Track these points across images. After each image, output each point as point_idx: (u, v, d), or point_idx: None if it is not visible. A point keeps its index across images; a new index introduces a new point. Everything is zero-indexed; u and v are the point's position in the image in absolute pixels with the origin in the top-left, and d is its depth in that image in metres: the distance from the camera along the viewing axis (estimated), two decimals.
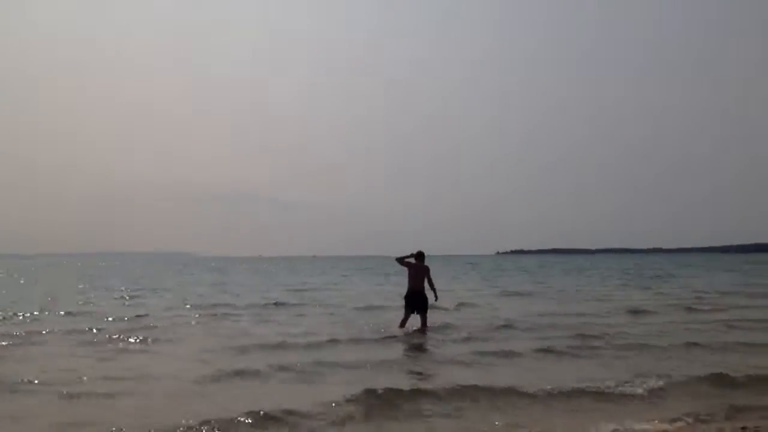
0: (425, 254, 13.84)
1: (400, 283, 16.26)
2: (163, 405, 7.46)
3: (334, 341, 12.37)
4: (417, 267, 13.68)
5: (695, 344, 11.84)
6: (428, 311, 13.85)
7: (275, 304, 21.81)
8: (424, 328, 13.66)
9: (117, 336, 13.12)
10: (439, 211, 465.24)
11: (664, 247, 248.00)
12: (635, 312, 18.36)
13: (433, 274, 13.89)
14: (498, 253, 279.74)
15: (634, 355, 11.01)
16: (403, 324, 13.74)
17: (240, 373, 9.19)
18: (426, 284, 13.65)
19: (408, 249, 13.87)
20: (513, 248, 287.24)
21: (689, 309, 19.24)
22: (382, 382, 8.34)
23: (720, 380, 8.67)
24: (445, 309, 17.76)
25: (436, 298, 13.89)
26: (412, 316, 13.73)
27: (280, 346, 11.79)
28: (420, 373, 9.60)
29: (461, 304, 20.65)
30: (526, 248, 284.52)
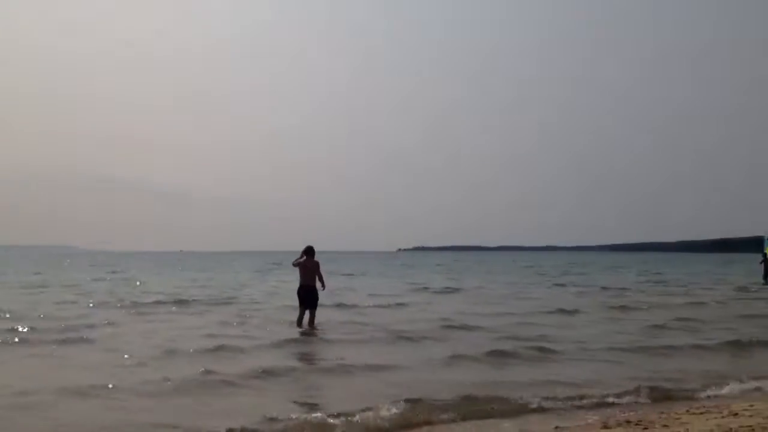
0: (314, 249, 13.87)
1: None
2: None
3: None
4: (307, 263, 13.74)
5: None
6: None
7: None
8: (312, 324, 13.82)
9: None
10: (341, 208, 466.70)
11: (559, 245, 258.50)
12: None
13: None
14: (400, 249, 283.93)
15: None
16: (299, 322, 13.85)
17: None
18: (317, 280, 13.74)
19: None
20: (415, 245, 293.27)
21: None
22: None
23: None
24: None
25: (324, 287, 13.95)
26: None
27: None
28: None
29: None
30: (427, 245, 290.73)
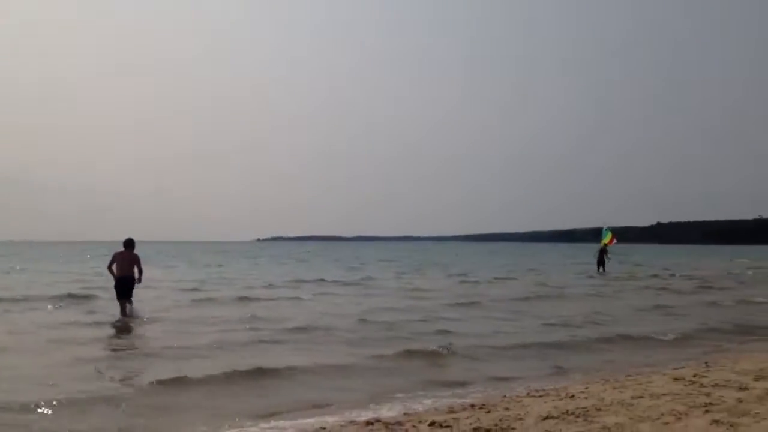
0: (134, 241, 13.92)
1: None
2: None
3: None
4: (124, 255, 13.76)
5: None
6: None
7: None
8: (125, 312, 13.80)
9: None
10: (198, 199, 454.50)
11: (413, 235, 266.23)
12: None
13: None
14: (259, 239, 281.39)
15: None
16: (122, 312, 13.80)
17: None
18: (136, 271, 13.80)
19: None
20: (273, 235, 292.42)
21: None
22: None
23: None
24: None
25: (140, 280, 13.94)
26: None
27: None
28: None
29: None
30: (285, 235, 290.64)
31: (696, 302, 19.06)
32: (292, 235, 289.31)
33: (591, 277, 32.00)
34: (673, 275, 34.02)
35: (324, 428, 5.87)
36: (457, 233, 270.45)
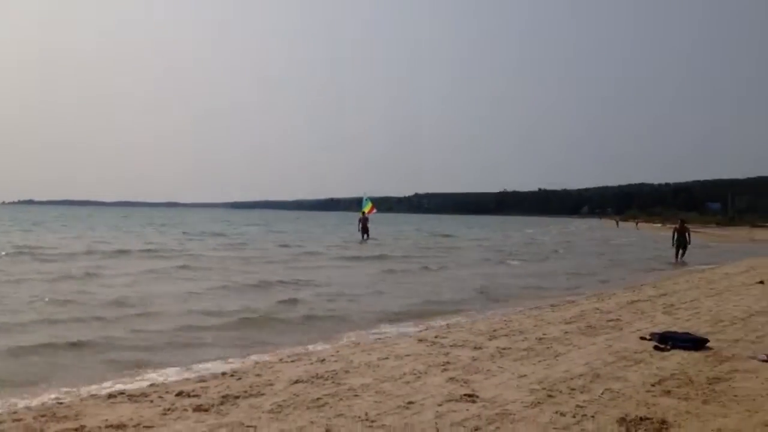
0: None
1: None
2: None
3: None
4: None
5: None
6: None
7: None
8: None
9: None
10: None
11: (180, 201, 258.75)
12: None
13: None
14: (4, 203, 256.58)
15: None
16: None
17: None
18: None
19: None
20: (21, 198, 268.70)
21: None
22: None
23: None
24: None
25: None
26: None
27: None
28: None
29: None
30: (36, 198, 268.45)
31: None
32: (44, 198, 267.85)
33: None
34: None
35: (62, 402, 5.46)
36: (224, 200, 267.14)
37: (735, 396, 5.39)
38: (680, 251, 26.79)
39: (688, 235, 27.15)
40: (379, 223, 38.25)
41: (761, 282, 15.52)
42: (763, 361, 6.76)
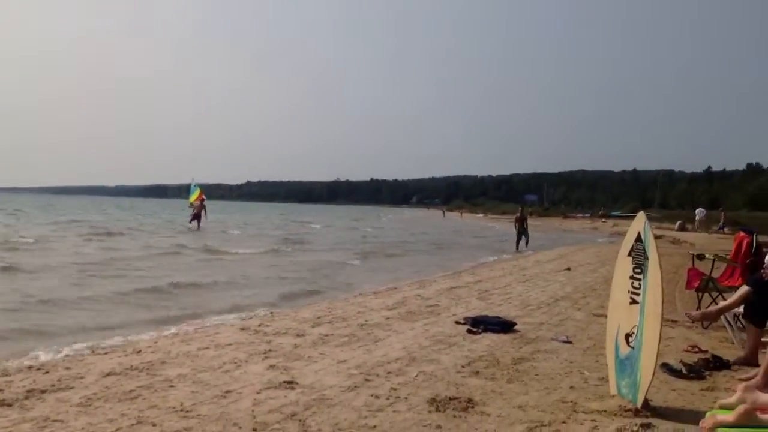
0: None
1: None
2: None
3: None
4: None
5: None
6: None
7: None
8: None
9: None
10: None
11: None
12: None
13: None
14: None
15: None
16: None
17: None
18: None
19: None
20: None
21: None
22: None
23: None
24: None
25: None
26: None
27: None
28: None
29: None
30: None
31: None
32: None
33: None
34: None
35: None
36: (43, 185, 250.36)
37: (536, 375, 5.81)
38: (521, 240, 27.86)
39: (526, 224, 28.31)
40: (210, 211, 37.28)
41: (568, 269, 16.79)
42: (564, 342, 7.33)
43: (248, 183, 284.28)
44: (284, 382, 5.34)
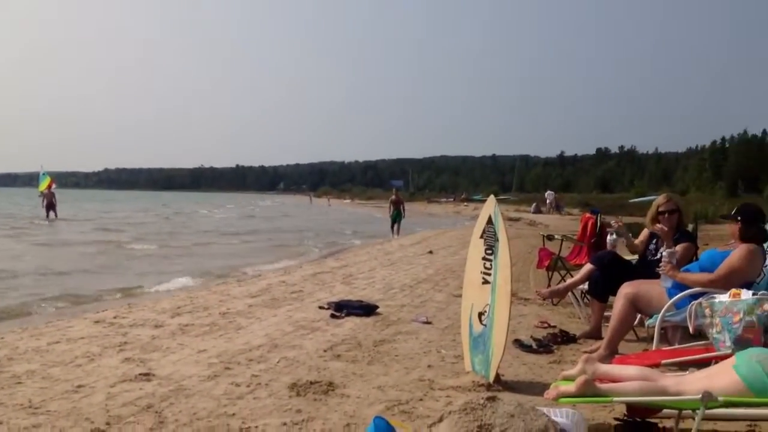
0: None
1: None
2: None
3: None
4: None
5: None
6: None
7: None
8: None
9: None
10: None
11: None
12: None
13: None
14: None
15: None
16: None
17: None
18: None
19: None
20: None
21: None
22: None
23: None
24: None
25: None
26: None
27: None
28: None
29: None
30: None
31: None
32: None
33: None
34: None
35: None
36: None
37: (396, 356, 5.96)
38: (396, 225, 27.19)
39: (403, 208, 27.54)
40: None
41: (430, 252, 17.26)
42: (423, 322, 7.54)
43: (106, 170, 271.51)
44: (140, 374, 5.18)
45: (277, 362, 5.64)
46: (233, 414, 4.28)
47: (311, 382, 4.95)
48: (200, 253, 20.03)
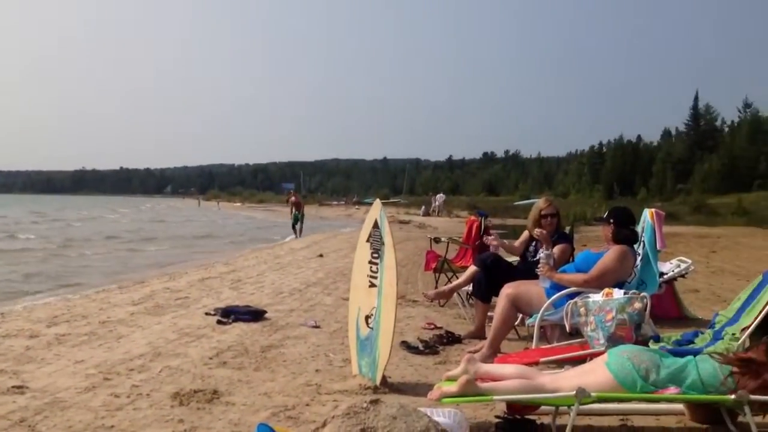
0: None
1: None
2: None
3: None
4: None
5: None
6: None
7: None
8: None
9: None
10: None
11: None
12: None
13: None
14: None
15: None
16: None
17: None
18: None
19: None
20: None
21: None
22: None
23: None
24: None
25: None
26: None
27: None
28: None
29: None
30: None
31: None
32: None
33: None
34: None
35: None
36: None
37: (284, 361, 5.91)
38: (299, 224, 27.03)
39: (302, 208, 27.49)
40: None
41: (321, 255, 17.23)
42: (312, 327, 7.52)
43: None
44: (13, 386, 4.92)
45: (160, 371, 5.47)
46: (111, 426, 4.13)
47: (195, 391, 4.84)
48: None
